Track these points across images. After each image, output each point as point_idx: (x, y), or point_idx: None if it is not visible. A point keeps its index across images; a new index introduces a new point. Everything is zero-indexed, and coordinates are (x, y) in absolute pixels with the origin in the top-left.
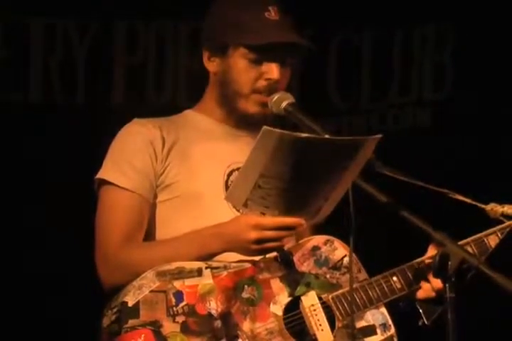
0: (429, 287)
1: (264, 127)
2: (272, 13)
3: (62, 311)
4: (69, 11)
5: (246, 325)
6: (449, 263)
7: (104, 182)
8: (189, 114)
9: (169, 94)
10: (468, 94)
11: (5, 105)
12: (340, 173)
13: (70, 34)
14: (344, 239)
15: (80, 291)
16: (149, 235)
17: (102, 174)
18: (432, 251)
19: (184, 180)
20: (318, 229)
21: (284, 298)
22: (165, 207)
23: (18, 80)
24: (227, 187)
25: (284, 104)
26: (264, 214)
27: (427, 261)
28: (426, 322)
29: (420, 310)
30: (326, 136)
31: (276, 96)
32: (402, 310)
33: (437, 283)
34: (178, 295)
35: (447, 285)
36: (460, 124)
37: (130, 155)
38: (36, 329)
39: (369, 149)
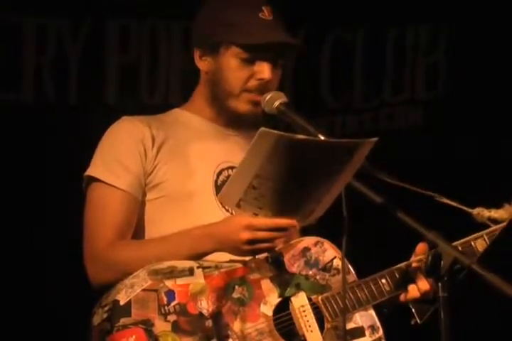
0: (415, 288)
1: (262, 128)
2: (266, 13)
3: (60, 309)
4: (61, 11)
5: (236, 325)
6: (442, 262)
7: (93, 179)
8: (178, 112)
9: (162, 94)
10: (460, 93)
11: None
12: (334, 176)
13: (63, 34)
14: (333, 240)
15: (74, 289)
16: (138, 233)
17: (90, 171)
18: (419, 252)
19: (173, 179)
20: (307, 230)
21: (274, 298)
22: (154, 206)
23: (10, 80)
24: (216, 186)
25: (276, 104)
26: (256, 214)
27: (415, 263)
28: (418, 322)
29: (413, 310)
30: (322, 138)
31: (269, 96)
32: (386, 315)
33: (424, 284)
34: (170, 294)
35: (440, 284)
36: (453, 123)
37: (119, 153)
38: (35, 328)
39: (364, 152)
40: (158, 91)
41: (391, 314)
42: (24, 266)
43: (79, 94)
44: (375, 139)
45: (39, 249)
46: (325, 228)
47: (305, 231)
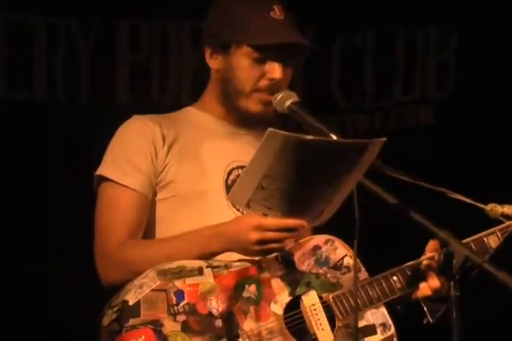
0: (426, 285)
1: (270, 129)
2: (277, 12)
3: (62, 310)
4: (72, 11)
5: (247, 325)
6: (454, 261)
7: (103, 178)
8: (189, 111)
9: (173, 93)
10: (471, 92)
11: (9, 104)
12: (344, 176)
13: (73, 33)
14: (344, 238)
15: (80, 290)
16: (148, 233)
17: (101, 171)
18: (430, 250)
19: (184, 178)
20: (318, 229)
21: (284, 297)
22: (164, 205)
23: (21, 80)
24: (226, 185)
25: (288, 103)
26: (266, 215)
27: (426, 261)
28: (430, 321)
29: (425, 309)
30: (332, 138)
31: (280, 95)
32: (400, 314)
33: (435, 282)
34: (179, 294)
35: (452, 283)
36: (463, 122)
37: (130, 153)
38: (36, 329)
39: (374, 152)
40: (169, 91)
41: (405, 312)
42: (29, 267)
43: (90, 94)
44: (384, 139)
45: (43, 248)
46: (336, 226)
47: (317, 231)
